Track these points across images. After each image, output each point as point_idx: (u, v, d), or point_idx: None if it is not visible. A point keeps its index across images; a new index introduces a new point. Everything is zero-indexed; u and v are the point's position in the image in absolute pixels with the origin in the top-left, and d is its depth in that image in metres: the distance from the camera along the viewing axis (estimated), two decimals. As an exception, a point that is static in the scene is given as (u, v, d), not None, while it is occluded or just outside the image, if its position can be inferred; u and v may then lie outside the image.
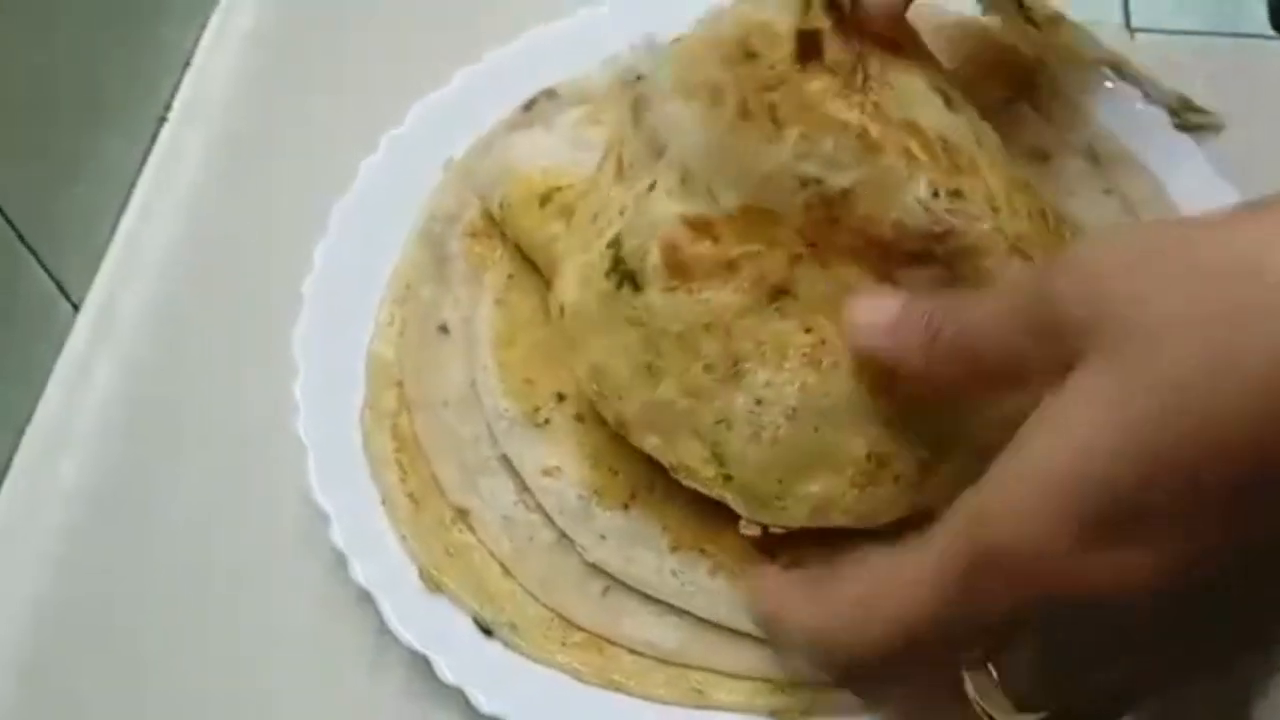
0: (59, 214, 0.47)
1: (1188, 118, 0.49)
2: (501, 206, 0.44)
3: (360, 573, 0.39)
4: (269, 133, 0.52)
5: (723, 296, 0.35)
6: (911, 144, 0.34)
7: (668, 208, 0.35)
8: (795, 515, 0.35)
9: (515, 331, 0.43)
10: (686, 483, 0.36)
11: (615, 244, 0.36)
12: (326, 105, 0.52)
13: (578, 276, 0.37)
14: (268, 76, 0.54)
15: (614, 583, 0.38)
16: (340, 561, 0.39)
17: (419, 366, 0.43)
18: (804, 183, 0.34)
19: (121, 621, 0.42)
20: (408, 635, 0.38)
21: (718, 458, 0.35)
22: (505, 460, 0.41)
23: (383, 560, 0.39)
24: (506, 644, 0.38)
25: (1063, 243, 0.37)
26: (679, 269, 0.35)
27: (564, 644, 0.38)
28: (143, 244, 0.50)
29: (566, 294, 0.38)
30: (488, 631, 0.38)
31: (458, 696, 0.37)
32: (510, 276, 0.44)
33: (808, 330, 0.35)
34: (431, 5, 0.56)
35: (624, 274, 0.36)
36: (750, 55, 0.35)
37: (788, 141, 0.34)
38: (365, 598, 0.39)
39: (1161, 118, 0.47)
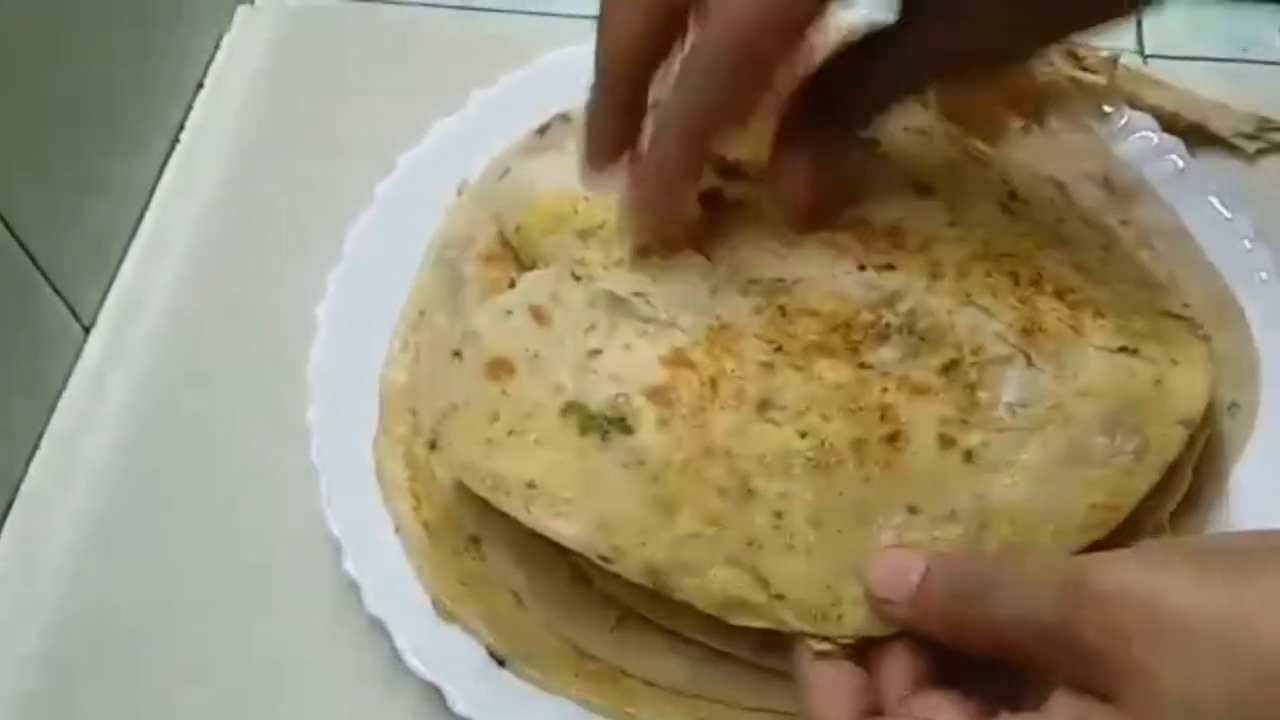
0: (71, 235, 0.47)
1: (1270, 137, 0.50)
2: (518, 230, 0.44)
3: (372, 601, 0.39)
4: (282, 154, 0.52)
5: (714, 418, 0.36)
6: (841, 235, 0.39)
7: (636, 355, 0.37)
8: (854, 621, 0.34)
9: (529, 357, 0.43)
10: (739, 621, 0.35)
11: (571, 410, 0.36)
12: (341, 127, 0.53)
13: (529, 452, 0.36)
14: (281, 97, 0.54)
15: (628, 613, 0.37)
16: (352, 590, 0.39)
17: (433, 392, 0.42)
18: (744, 290, 0.38)
19: (129, 645, 0.42)
20: (419, 665, 0.38)
21: (762, 581, 0.34)
22: (519, 488, 0.41)
23: (395, 589, 0.39)
24: (519, 674, 0.38)
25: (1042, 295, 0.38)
26: (666, 402, 0.36)
27: (577, 675, 0.38)
28: (155, 266, 0.50)
29: (522, 470, 0.36)
30: (500, 661, 0.38)
31: (470, 727, 0.37)
32: (525, 301, 0.44)
33: (803, 435, 0.35)
34: (448, 28, 0.56)
35: (605, 424, 0.36)
36: None
37: (720, 258, 0.38)
38: (377, 626, 0.39)
39: (1177, 147, 0.47)
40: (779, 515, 0.35)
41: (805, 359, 0.37)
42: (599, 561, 0.35)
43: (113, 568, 0.43)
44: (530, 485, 0.36)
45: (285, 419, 0.43)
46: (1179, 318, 0.39)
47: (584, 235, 0.42)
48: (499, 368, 0.38)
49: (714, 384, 0.36)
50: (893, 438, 0.35)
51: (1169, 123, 0.48)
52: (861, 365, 0.36)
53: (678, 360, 0.37)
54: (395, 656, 0.38)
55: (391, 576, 0.39)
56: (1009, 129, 0.48)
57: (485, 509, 0.41)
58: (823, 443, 0.35)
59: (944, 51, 0.36)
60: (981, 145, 0.44)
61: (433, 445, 0.38)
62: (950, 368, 0.36)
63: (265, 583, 0.42)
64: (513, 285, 0.45)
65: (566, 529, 0.35)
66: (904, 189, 0.40)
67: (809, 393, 0.36)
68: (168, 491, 0.45)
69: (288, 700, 0.41)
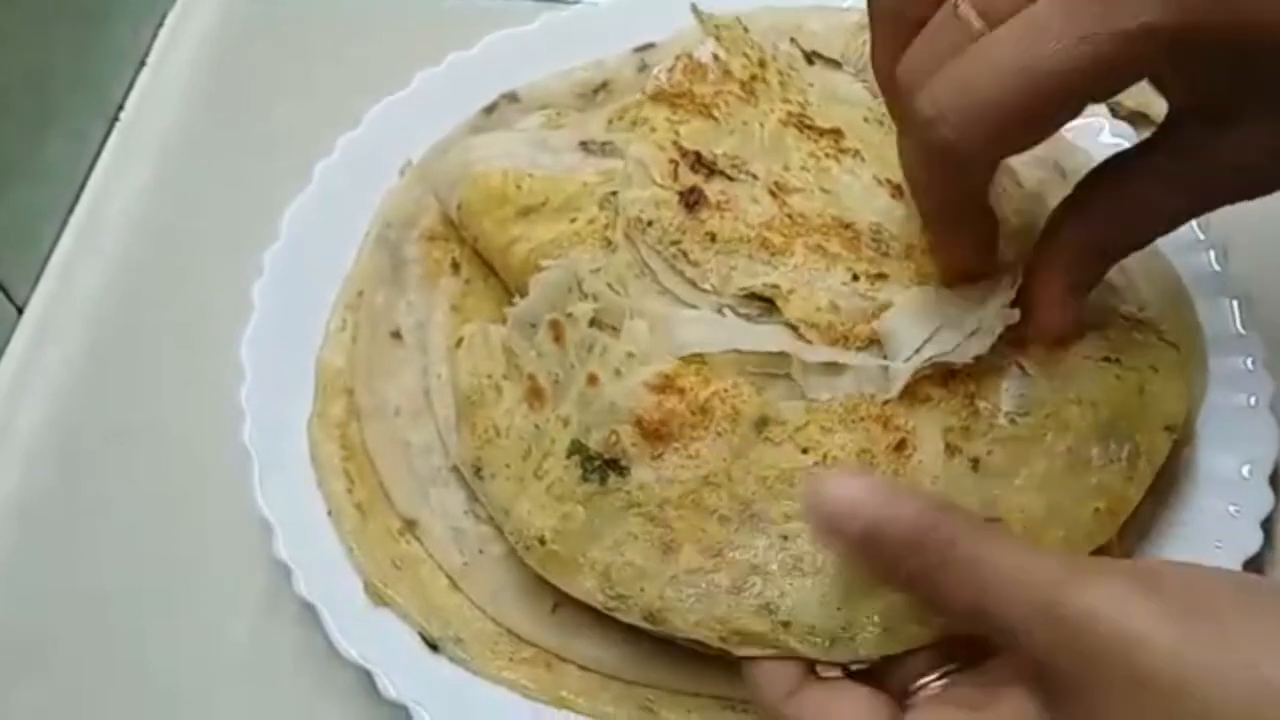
0: (3, 214, 0.46)
1: None
2: (460, 208, 0.43)
3: (304, 585, 0.38)
4: (223, 134, 0.51)
5: (709, 445, 0.34)
6: (829, 240, 0.37)
7: (626, 383, 0.35)
8: (869, 643, 0.33)
9: (470, 338, 0.43)
10: (747, 653, 0.33)
11: (574, 450, 0.35)
12: (283, 106, 0.52)
13: (543, 502, 0.35)
14: (223, 77, 0.53)
15: (564, 598, 0.36)
16: (284, 574, 0.38)
17: (370, 373, 0.42)
18: (736, 304, 0.36)
19: (60, 632, 0.41)
20: (351, 650, 0.37)
21: (766, 607, 0.33)
22: (457, 471, 0.40)
23: (328, 573, 0.38)
24: (453, 659, 0.37)
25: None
26: (657, 435, 0.35)
27: (512, 659, 0.37)
28: (90, 246, 0.49)
29: (537, 524, 0.35)
30: (434, 646, 0.37)
31: (404, 713, 0.36)
32: (467, 281, 0.44)
33: (805, 450, 0.34)
34: (394, 6, 0.55)
35: (603, 467, 0.35)
36: (649, 224, 0.37)
37: (710, 269, 0.36)
38: (310, 611, 0.38)
39: (1126, 132, 0.47)
40: (785, 538, 0.34)
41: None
42: (607, 612, 0.35)
43: (43, 552, 0.42)
44: (542, 541, 0.35)
45: (219, 401, 0.42)
46: (1143, 323, 0.39)
47: (526, 212, 0.41)
48: (534, 395, 0.37)
49: (705, 410, 0.35)
50: (900, 446, 0.34)
51: (1112, 109, 0.48)
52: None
53: (665, 386, 0.35)
54: (328, 641, 0.37)
55: (324, 560, 0.38)
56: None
57: (423, 492, 0.40)
58: (825, 456, 0.34)
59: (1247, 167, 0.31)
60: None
61: (477, 472, 0.37)
62: (949, 376, 0.35)
63: (197, 567, 0.42)
64: (455, 265, 0.44)
65: (574, 584, 0.35)
66: (877, 189, 0.39)
67: (806, 405, 0.35)
68: (99, 475, 0.44)
69: (220, 686, 0.40)
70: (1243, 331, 0.42)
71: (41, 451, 0.44)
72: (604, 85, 0.48)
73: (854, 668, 0.33)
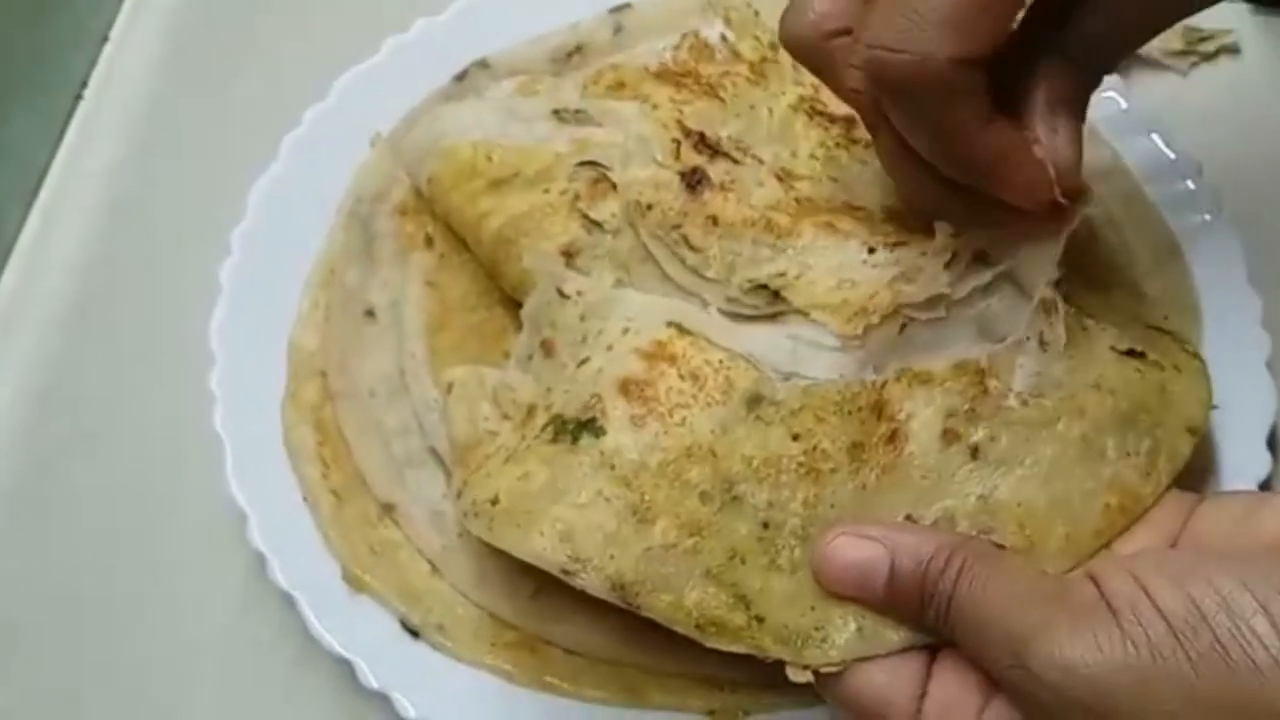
0: (-35, 197, 0.45)
1: (1200, 49, 0.49)
2: (430, 182, 0.42)
3: (281, 573, 0.37)
4: (189, 109, 0.50)
5: (697, 415, 0.33)
6: (840, 220, 0.36)
7: (617, 351, 0.34)
8: (838, 646, 0.31)
9: (447, 315, 0.42)
10: (716, 644, 0.32)
11: (550, 422, 0.34)
12: (250, 78, 0.50)
13: (502, 469, 0.34)
14: (189, 50, 0.52)
15: (547, 580, 0.35)
16: (261, 562, 0.37)
17: (343, 353, 0.41)
18: (743, 295, 0.35)
19: (33, 628, 0.40)
20: (330, 639, 0.36)
21: (742, 600, 0.32)
22: (434, 452, 0.39)
23: (305, 560, 0.37)
24: (434, 645, 0.36)
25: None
26: (642, 398, 0.33)
27: (494, 644, 0.36)
28: (55, 229, 0.48)
29: (490, 487, 0.33)
30: (414, 633, 0.37)
31: (386, 701, 0.36)
32: (441, 256, 0.43)
33: (795, 437, 0.33)
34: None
35: (576, 429, 0.33)
36: (648, 207, 0.37)
37: (713, 255, 0.35)
38: (287, 600, 0.37)
39: (1118, 85, 0.45)
40: (766, 526, 0.32)
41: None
42: (561, 576, 0.32)
43: (13, 541, 0.42)
44: (494, 502, 0.33)
45: (190, 386, 0.41)
46: (1166, 332, 0.38)
47: (498, 185, 0.40)
48: (529, 415, 0.36)
49: (696, 377, 0.34)
50: (891, 437, 0.33)
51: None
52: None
53: (657, 353, 0.34)
54: (306, 631, 0.37)
55: (301, 547, 0.38)
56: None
57: (400, 475, 0.39)
58: (815, 447, 0.33)
59: None
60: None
61: (459, 496, 0.35)
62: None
63: (172, 555, 0.41)
64: (429, 239, 0.43)
65: (524, 542, 0.32)
66: (884, 174, 0.36)
67: (804, 388, 0.33)
68: (70, 463, 0.43)
69: (198, 676, 0.39)
70: (1240, 288, 0.41)
71: (11, 439, 0.43)
72: (578, 49, 0.46)
73: (823, 671, 0.31)
